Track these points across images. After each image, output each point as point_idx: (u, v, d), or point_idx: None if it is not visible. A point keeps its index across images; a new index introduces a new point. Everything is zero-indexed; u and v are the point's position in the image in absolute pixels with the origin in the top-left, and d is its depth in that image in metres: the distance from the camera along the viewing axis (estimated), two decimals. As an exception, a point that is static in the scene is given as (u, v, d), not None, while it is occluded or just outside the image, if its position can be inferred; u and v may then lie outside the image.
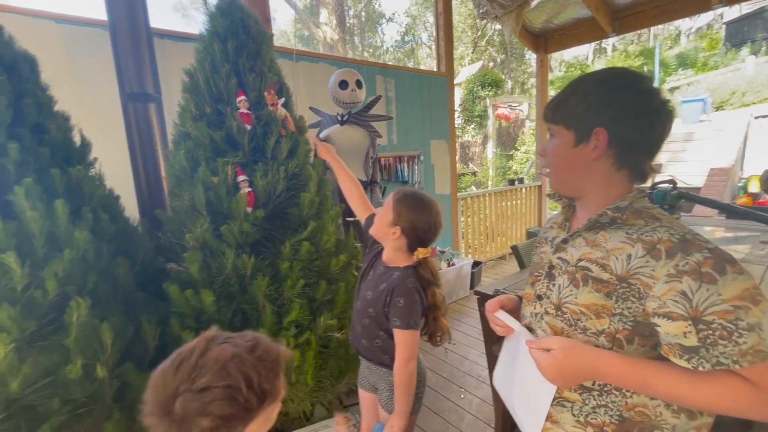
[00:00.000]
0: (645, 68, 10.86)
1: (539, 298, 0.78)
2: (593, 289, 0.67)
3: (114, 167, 1.59)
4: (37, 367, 1.05)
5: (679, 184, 2.27)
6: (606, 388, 0.68)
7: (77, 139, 1.45)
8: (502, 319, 0.82)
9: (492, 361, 1.77)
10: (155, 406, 0.54)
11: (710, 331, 0.56)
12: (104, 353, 1.18)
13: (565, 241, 0.76)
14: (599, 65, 12.24)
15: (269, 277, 1.42)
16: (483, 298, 1.76)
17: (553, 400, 0.72)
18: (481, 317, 1.82)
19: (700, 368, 0.57)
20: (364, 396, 1.32)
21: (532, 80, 13.05)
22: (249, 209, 1.45)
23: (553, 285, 0.75)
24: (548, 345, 0.68)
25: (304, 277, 1.49)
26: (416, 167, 3.72)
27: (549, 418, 0.74)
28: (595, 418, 0.69)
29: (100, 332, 1.17)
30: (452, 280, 3.57)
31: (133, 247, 1.49)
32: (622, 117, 0.67)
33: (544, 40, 4.88)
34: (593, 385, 0.69)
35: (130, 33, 1.87)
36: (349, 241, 1.82)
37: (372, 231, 1.22)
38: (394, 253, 1.17)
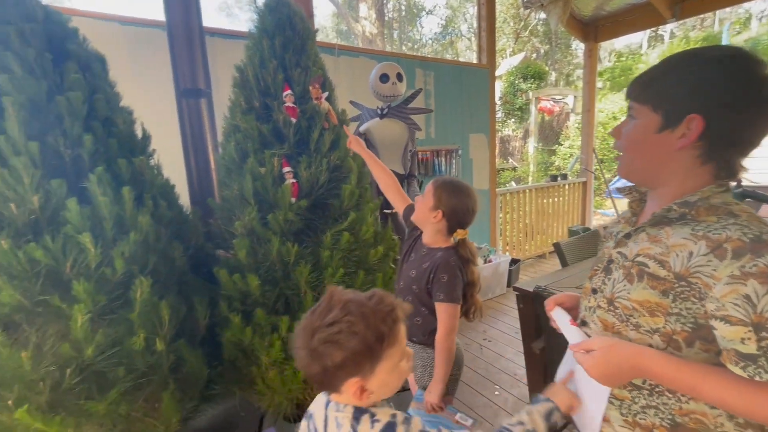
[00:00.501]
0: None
1: (594, 291, 0.75)
2: (648, 286, 0.63)
3: (168, 159, 1.71)
4: (107, 337, 1.17)
5: (744, 182, 2.10)
6: (657, 389, 0.65)
7: (138, 132, 1.57)
8: (554, 318, 0.82)
9: (530, 359, 1.74)
10: (301, 342, 0.66)
11: None
12: (162, 328, 1.29)
13: (628, 235, 0.72)
14: (654, 55, 11.38)
15: (311, 264, 1.48)
16: (522, 295, 1.72)
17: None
18: (520, 314, 1.79)
19: (757, 378, 0.53)
20: None
21: (578, 72, 12.42)
22: (293, 199, 1.51)
23: (609, 279, 0.72)
24: (589, 346, 0.67)
25: (344, 266, 1.53)
26: (454, 161, 3.68)
27: None
28: (644, 419, 0.67)
29: (159, 309, 1.27)
30: (489, 276, 3.51)
31: (186, 233, 1.60)
32: (727, 106, 0.58)
33: (594, 29, 4.62)
34: (643, 383, 0.67)
35: (185, 33, 1.99)
36: (387, 233, 1.84)
37: (414, 217, 1.32)
38: (435, 235, 1.28)
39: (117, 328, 1.21)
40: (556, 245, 2.22)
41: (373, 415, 0.66)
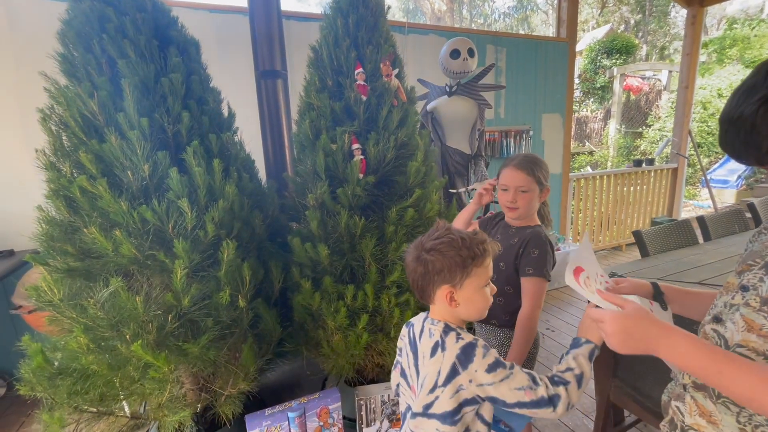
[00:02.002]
0: None
1: (744, 288, 0.67)
2: None
3: (247, 136, 1.86)
4: (200, 291, 1.33)
5: None
6: None
7: (225, 111, 1.72)
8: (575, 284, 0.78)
9: (600, 352, 1.65)
10: (411, 253, 0.84)
11: None
12: (244, 287, 1.44)
13: None
14: (779, 19, 9.51)
15: (376, 238, 1.54)
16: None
17: (719, 397, 0.66)
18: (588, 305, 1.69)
19: None
20: None
21: (675, 44, 10.89)
22: (361, 175, 1.56)
23: None
24: (622, 304, 0.67)
25: (407, 242, 1.57)
26: (524, 143, 3.50)
27: (707, 416, 0.67)
28: (766, 430, 0.60)
29: (241, 270, 1.41)
30: (556, 266, 3.33)
31: (264, 204, 1.74)
32: None
33: (700, -9, 4.03)
34: None
35: (265, 17, 2.12)
36: (451, 212, 1.84)
37: (521, 214, 1.27)
38: (528, 213, 1.28)
39: (207, 284, 1.37)
40: (636, 233, 2.04)
41: (458, 334, 0.80)
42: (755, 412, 0.58)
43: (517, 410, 0.76)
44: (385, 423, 1.66)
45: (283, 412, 1.52)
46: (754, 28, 9.81)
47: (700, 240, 2.30)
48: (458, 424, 0.80)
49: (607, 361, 1.56)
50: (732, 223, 2.42)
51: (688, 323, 0.80)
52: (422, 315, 0.90)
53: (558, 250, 3.39)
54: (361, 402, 1.60)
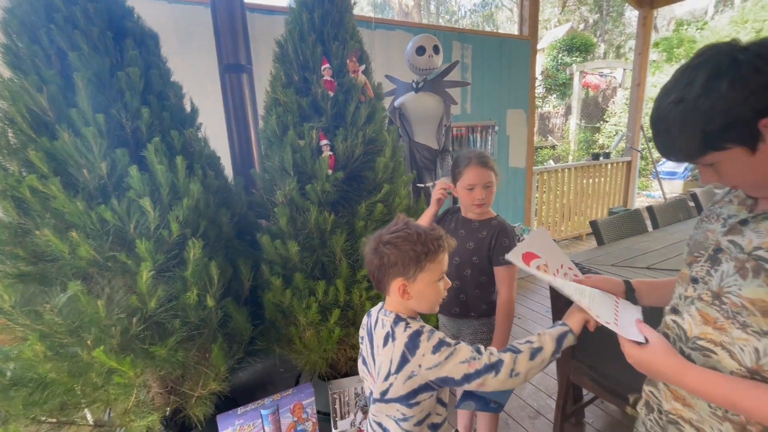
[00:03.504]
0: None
1: (695, 281, 0.70)
2: (764, 284, 0.57)
3: (212, 132, 1.81)
4: (166, 292, 1.30)
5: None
6: None
7: (187, 106, 1.67)
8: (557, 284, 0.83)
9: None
10: (370, 245, 0.87)
11: None
12: (212, 287, 1.41)
13: (744, 222, 0.65)
14: (724, 21, 10.23)
15: (346, 233, 1.55)
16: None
17: None
18: (551, 292, 1.78)
19: None
20: None
21: (630, 43, 11.48)
22: (330, 171, 1.57)
23: (715, 270, 0.66)
24: (650, 335, 0.69)
25: (377, 237, 1.59)
26: (490, 138, 3.60)
27: (681, 400, 0.71)
28: (737, 416, 0.63)
29: (209, 269, 1.39)
30: (521, 255, 3.47)
31: (231, 201, 1.71)
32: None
33: (650, -7, 4.27)
34: None
35: (227, 9, 2.05)
36: (419, 206, 1.88)
37: (486, 206, 1.35)
38: (489, 207, 1.35)
39: (174, 285, 1.34)
40: (593, 223, 2.16)
41: (407, 323, 0.85)
42: None
43: (466, 385, 0.79)
44: (359, 415, 1.69)
45: (255, 410, 1.51)
46: (699, 29, 10.53)
47: (650, 228, 2.47)
48: (415, 408, 0.84)
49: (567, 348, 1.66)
50: (677, 211, 2.61)
51: (658, 313, 0.83)
52: (379, 305, 0.94)
53: (522, 240, 3.54)
54: (335, 396, 1.62)
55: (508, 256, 0.92)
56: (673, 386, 0.72)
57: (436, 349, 0.80)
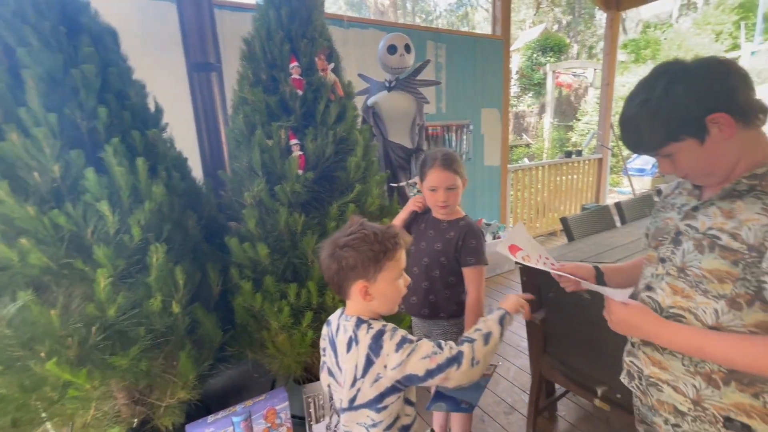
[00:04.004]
0: (743, 23, 9.42)
1: (662, 261, 0.81)
2: (719, 256, 0.69)
3: (180, 132, 1.75)
4: (127, 299, 1.25)
5: None
6: None
7: (151, 106, 1.61)
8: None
9: (532, 329, 1.78)
10: (326, 249, 0.84)
11: None
12: (178, 292, 1.36)
13: (695, 208, 0.77)
14: (687, 24, 10.70)
15: (318, 235, 1.53)
16: (524, 268, 1.75)
17: (664, 350, 0.79)
18: (523, 286, 1.81)
19: None
20: None
21: (602, 44, 11.85)
22: (300, 171, 1.54)
23: (678, 249, 0.77)
24: (626, 301, 0.78)
25: (350, 237, 1.58)
26: (465, 137, 3.64)
27: (658, 364, 0.80)
28: (704, 368, 0.73)
29: (174, 274, 1.34)
30: (497, 252, 3.52)
31: (199, 204, 1.66)
32: (727, 90, 0.66)
33: (617, -4, 4.41)
34: None
35: (194, 5, 1.99)
36: (393, 206, 1.87)
37: (451, 207, 1.33)
38: (455, 207, 1.34)
39: (136, 291, 1.29)
40: (563, 220, 2.21)
41: (369, 325, 0.84)
42: (734, 369, 0.70)
43: (429, 381, 0.80)
44: (335, 418, 1.67)
45: (227, 417, 1.47)
46: (664, 31, 10.96)
47: (618, 224, 2.55)
48: (383, 412, 0.83)
49: (538, 340, 1.69)
50: (643, 207, 2.70)
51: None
52: (339, 311, 0.93)
53: (498, 238, 3.58)
54: (310, 399, 1.60)
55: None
56: (650, 353, 0.82)
57: (399, 346, 0.80)
